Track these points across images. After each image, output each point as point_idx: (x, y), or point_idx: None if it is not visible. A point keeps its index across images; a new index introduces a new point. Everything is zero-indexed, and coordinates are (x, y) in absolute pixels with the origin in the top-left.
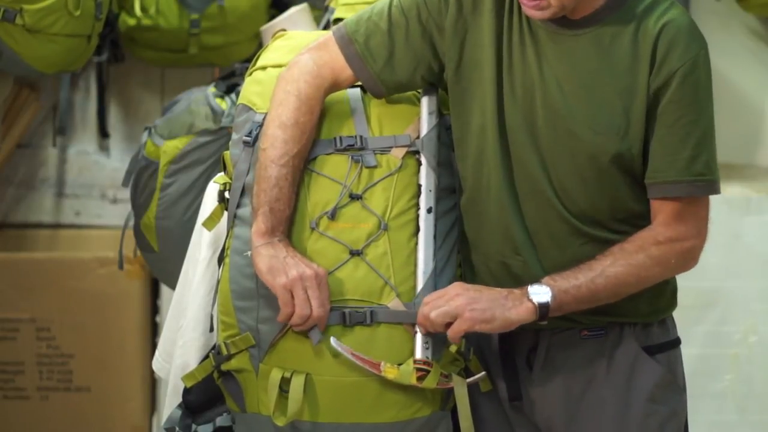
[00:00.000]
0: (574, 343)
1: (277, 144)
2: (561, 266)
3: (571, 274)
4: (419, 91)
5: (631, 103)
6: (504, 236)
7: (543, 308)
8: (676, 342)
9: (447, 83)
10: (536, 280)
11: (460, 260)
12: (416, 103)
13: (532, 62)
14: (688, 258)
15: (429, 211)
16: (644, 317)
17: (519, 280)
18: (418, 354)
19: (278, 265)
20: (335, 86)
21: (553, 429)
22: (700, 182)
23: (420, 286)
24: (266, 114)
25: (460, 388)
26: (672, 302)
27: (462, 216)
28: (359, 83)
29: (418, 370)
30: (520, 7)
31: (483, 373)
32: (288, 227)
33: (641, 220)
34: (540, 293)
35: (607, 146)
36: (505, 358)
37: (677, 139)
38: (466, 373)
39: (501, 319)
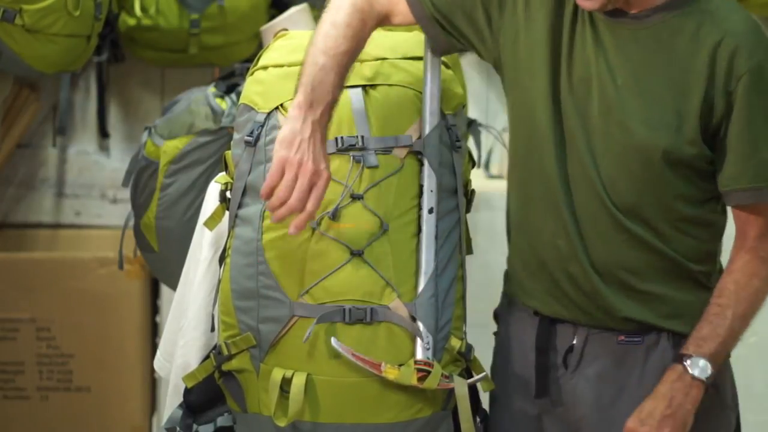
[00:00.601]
0: (611, 347)
1: (328, 39)
2: (604, 264)
3: (710, 333)
4: (420, 91)
5: (684, 103)
6: (555, 218)
7: (709, 378)
8: None
9: (502, 63)
10: (582, 269)
11: (461, 260)
12: (418, 102)
13: (591, 52)
14: None
15: (430, 211)
16: (681, 327)
17: (566, 263)
18: (419, 354)
19: (292, 140)
20: (388, 17)
21: (584, 430)
22: None
23: (421, 286)
24: (268, 113)
25: (461, 389)
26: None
27: (509, 196)
28: (360, 85)
29: (419, 370)
30: None
31: (484, 373)
32: (329, 116)
33: (691, 227)
34: (701, 367)
35: (657, 141)
36: (541, 354)
37: (748, 145)
38: (468, 373)
39: (687, 419)
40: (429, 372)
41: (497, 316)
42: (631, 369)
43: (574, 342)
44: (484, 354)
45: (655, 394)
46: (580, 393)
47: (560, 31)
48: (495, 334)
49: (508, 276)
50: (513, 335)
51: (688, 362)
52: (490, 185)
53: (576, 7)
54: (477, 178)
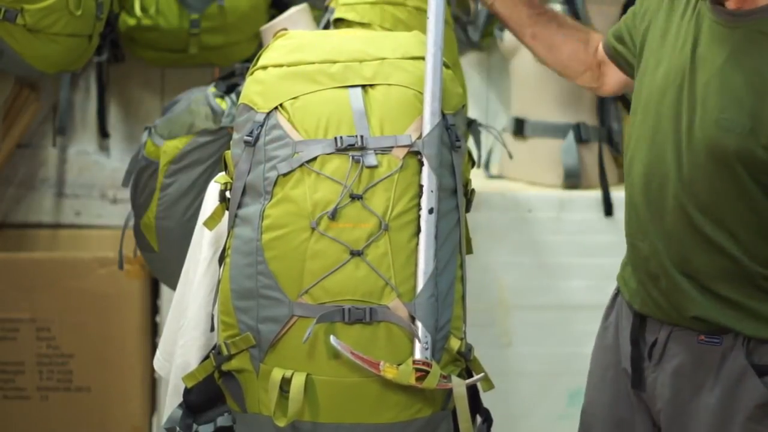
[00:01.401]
0: (690, 345)
1: None
2: (679, 264)
3: None
4: (420, 91)
5: (762, 107)
6: (637, 218)
7: None
8: None
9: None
10: (660, 267)
11: (461, 260)
12: (418, 103)
13: (689, 47)
14: None
15: (430, 212)
16: (756, 331)
17: (646, 263)
18: (418, 354)
19: None
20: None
21: (661, 422)
22: None
23: (420, 286)
24: (268, 112)
25: (459, 390)
26: None
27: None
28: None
29: (418, 370)
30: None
31: (483, 374)
32: None
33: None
34: None
35: (727, 142)
36: (634, 345)
37: None
38: (468, 373)
39: None
40: (427, 372)
41: (609, 304)
42: (708, 370)
43: (658, 336)
44: (484, 355)
45: None
46: (660, 386)
47: (673, 23)
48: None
49: (622, 266)
50: (615, 325)
51: None
52: (490, 185)
53: (689, 6)
54: (477, 178)
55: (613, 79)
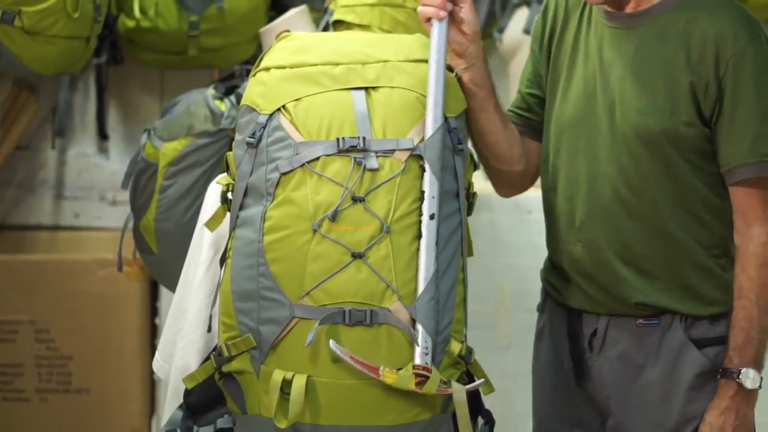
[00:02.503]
0: (630, 330)
1: None
2: (618, 255)
3: (745, 338)
4: (423, 93)
5: (675, 89)
6: (568, 222)
7: (760, 382)
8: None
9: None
10: (595, 265)
11: (462, 263)
12: (420, 105)
13: (595, 57)
14: None
15: (432, 217)
16: (693, 309)
17: (578, 265)
18: (418, 359)
19: None
20: None
21: (609, 409)
22: (766, 162)
23: (421, 289)
24: (270, 114)
25: (459, 395)
26: (723, 297)
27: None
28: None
29: (417, 375)
30: (592, 9)
31: (482, 380)
32: None
33: (702, 211)
34: (751, 378)
35: (653, 125)
36: (573, 339)
37: (743, 123)
38: (468, 376)
39: (752, 423)
40: (427, 377)
41: (539, 308)
42: (648, 349)
43: (597, 326)
44: (485, 357)
45: (719, 409)
46: (605, 373)
47: (579, 40)
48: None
49: (544, 271)
50: (549, 326)
51: (740, 378)
52: (490, 188)
53: (581, 14)
54: (477, 180)
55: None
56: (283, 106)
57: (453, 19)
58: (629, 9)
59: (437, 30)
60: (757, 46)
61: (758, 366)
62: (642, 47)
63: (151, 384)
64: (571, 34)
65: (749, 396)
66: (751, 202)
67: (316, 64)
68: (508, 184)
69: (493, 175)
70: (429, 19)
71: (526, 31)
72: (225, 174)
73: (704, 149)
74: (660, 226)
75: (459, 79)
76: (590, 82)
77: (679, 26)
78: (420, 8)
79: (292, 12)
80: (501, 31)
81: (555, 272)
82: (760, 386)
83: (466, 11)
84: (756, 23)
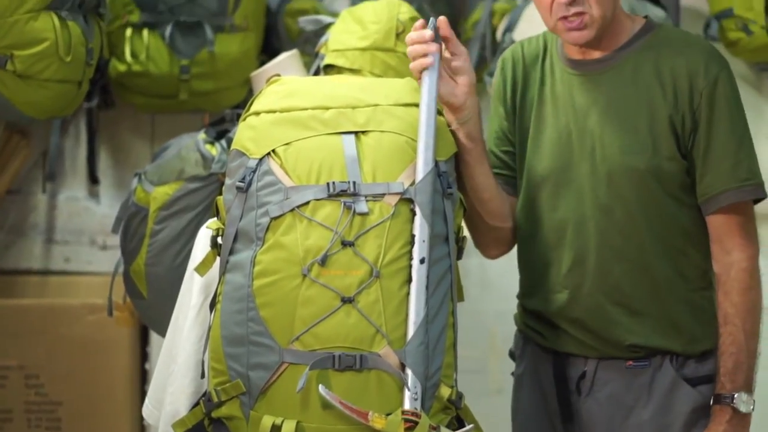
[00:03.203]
0: (620, 371)
1: None
2: (607, 298)
3: (735, 363)
4: (413, 137)
5: (655, 125)
6: (556, 271)
7: (753, 405)
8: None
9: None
10: (584, 311)
11: (452, 307)
12: (410, 149)
13: (565, 103)
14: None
15: (422, 261)
16: (684, 347)
17: (566, 311)
18: (407, 405)
19: None
20: None
21: None
22: (747, 186)
23: (411, 333)
24: (260, 158)
25: None
26: (710, 331)
27: (518, 248)
28: (353, 131)
29: (407, 420)
30: (552, 61)
31: (472, 425)
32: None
33: (687, 245)
34: (744, 402)
35: (638, 163)
36: (559, 382)
37: (719, 151)
38: (458, 421)
39: None
40: (416, 423)
41: (513, 354)
42: (639, 391)
43: (586, 369)
44: (475, 402)
45: None
46: (594, 416)
47: (536, 91)
48: (513, 374)
49: (520, 316)
50: (531, 371)
51: (734, 402)
52: None
53: (542, 66)
54: None
55: None
56: (273, 151)
57: (448, 70)
58: (597, 54)
59: (429, 74)
60: (727, 76)
61: (750, 389)
62: (616, 90)
63: (141, 429)
64: (534, 87)
65: (744, 419)
66: (730, 229)
67: (306, 109)
68: (497, 243)
69: (485, 234)
70: (421, 72)
71: None
72: (215, 219)
73: (686, 182)
74: (647, 263)
75: (454, 134)
76: (564, 132)
77: (649, 66)
78: (411, 64)
79: (282, 56)
80: (492, 75)
81: (535, 318)
82: (753, 408)
83: (462, 63)
84: (721, 55)
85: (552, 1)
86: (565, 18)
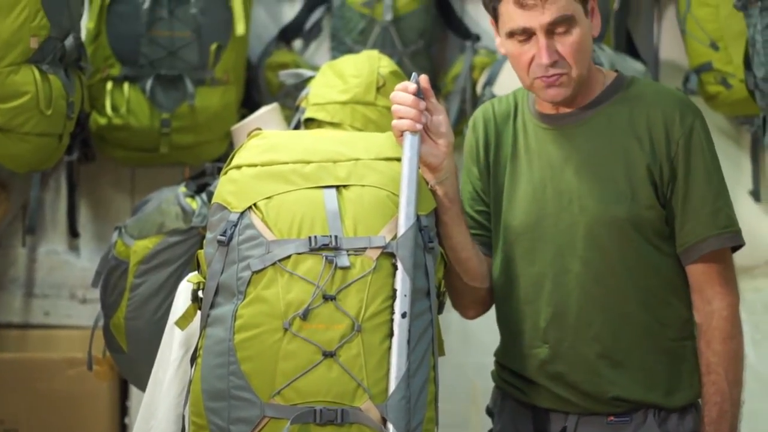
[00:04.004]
0: (601, 428)
1: None
2: (588, 352)
3: (719, 412)
4: (394, 192)
5: (633, 175)
6: (532, 324)
7: None
8: None
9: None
10: (564, 365)
11: (434, 361)
12: (391, 203)
13: (539, 158)
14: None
15: (403, 316)
16: (665, 400)
17: (546, 366)
18: None
19: None
20: None
21: None
22: (727, 233)
23: (392, 388)
24: (241, 212)
25: None
26: (691, 385)
27: (495, 301)
28: (334, 185)
29: None
30: (524, 117)
31: None
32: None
33: (668, 294)
34: None
35: (617, 213)
36: None
37: (698, 200)
38: None
39: None
40: None
41: (490, 411)
42: None
43: (566, 425)
44: None
45: None
46: None
47: (509, 148)
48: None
49: (497, 372)
50: (510, 427)
51: None
52: None
53: (514, 123)
54: None
55: None
56: (255, 204)
57: (428, 131)
58: (573, 107)
59: (411, 135)
60: (702, 124)
61: None
62: (591, 142)
63: None
64: (507, 144)
65: None
66: (710, 278)
67: (287, 162)
68: (475, 303)
69: (463, 294)
70: (402, 133)
71: None
72: (196, 272)
73: (664, 231)
74: (628, 314)
75: (432, 193)
76: (539, 186)
77: (624, 117)
78: (394, 122)
79: (263, 110)
80: None
81: (514, 373)
82: None
83: (441, 123)
84: (694, 104)
85: (530, 61)
86: (543, 77)
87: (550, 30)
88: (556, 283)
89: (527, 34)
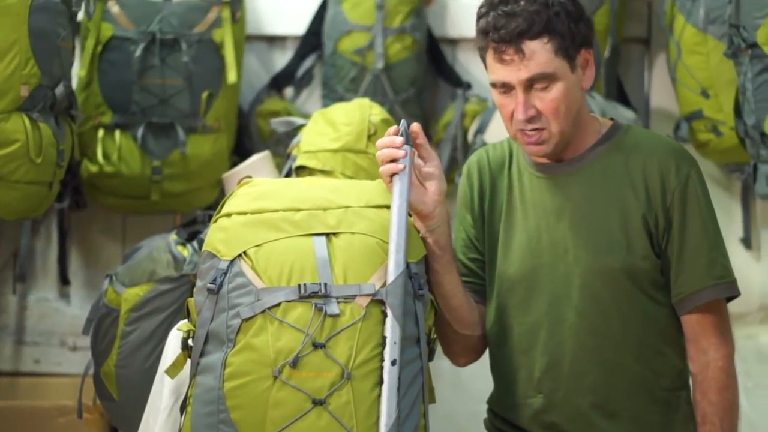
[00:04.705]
0: None
1: None
2: (583, 400)
3: None
4: (384, 239)
5: (629, 225)
6: (527, 375)
7: None
8: None
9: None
10: (559, 413)
11: (424, 409)
12: (381, 251)
13: (534, 206)
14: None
15: (393, 363)
16: None
17: (540, 416)
18: None
19: None
20: None
21: None
22: (722, 284)
23: None
24: (231, 260)
25: None
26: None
27: (489, 353)
28: (324, 233)
29: None
30: (519, 165)
31: None
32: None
33: (662, 344)
34: None
35: (612, 263)
36: None
37: (693, 251)
38: None
39: None
40: None
41: None
42: None
43: None
44: None
45: None
46: None
47: (504, 197)
48: None
49: (490, 421)
50: None
51: None
52: None
53: (509, 172)
54: None
55: None
56: (245, 252)
57: (419, 176)
58: (567, 158)
59: (401, 176)
60: (697, 174)
61: None
62: (587, 191)
63: None
64: (503, 192)
65: None
66: (705, 328)
67: (277, 210)
68: (466, 350)
69: (454, 342)
70: (392, 177)
71: None
72: (186, 320)
73: (659, 281)
74: (623, 364)
75: (422, 241)
76: (534, 235)
77: (619, 167)
78: (381, 168)
79: (254, 157)
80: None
81: (507, 423)
82: None
83: (434, 171)
84: (689, 154)
85: (512, 113)
86: (523, 131)
87: (529, 85)
88: (551, 332)
89: (507, 88)
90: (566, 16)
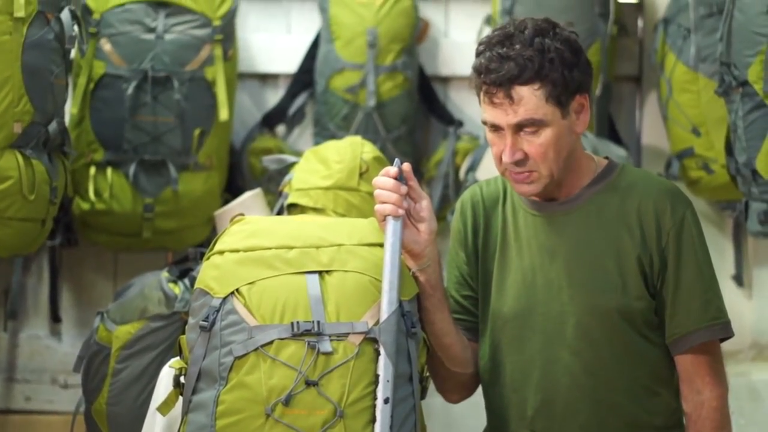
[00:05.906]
0: None
1: None
2: (573, 428)
3: None
4: (376, 277)
5: (624, 265)
6: (519, 414)
7: None
8: None
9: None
10: None
11: None
12: (374, 289)
13: (529, 245)
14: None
15: (386, 401)
16: None
17: None
18: None
19: None
20: None
21: None
22: (717, 325)
23: None
24: (224, 298)
25: None
26: None
27: (483, 389)
28: (317, 271)
29: None
30: (513, 202)
31: None
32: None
33: (656, 384)
34: None
35: (608, 303)
36: None
37: (688, 292)
38: None
39: None
40: None
41: None
42: None
43: None
44: None
45: None
46: None
47: (498, 234)
48: None
49: None
50: None
51: None
52: None
53: (503, 209)
54: None
55: None
56: (237, 290)
57: (410, 217)
58: (562, 196)
59: (393, 217)
60: (692, 215)
61: None
62: (582, 231)
63: None
64: (497, 230)
65: None
66: (699, 369)
67: (270, 248)
68: (458, 388)
69: (446, 379)
70: (384, 218)
71: None
72: (178, 358)
73: (653, 322)
74: (616, 404)
75: (415, 279)
76: (528, 273)
77: (614, 207)
78: (377, 207)
79: (246, 195)
80: (453, 213)
81: None
82: None
83: (425, 211)
84: (684, 194)
85: (501, 153)
86: (510, 171)
87: (518, 129)
88: (544, 371)
89: (497, 128)
90: (561, 62)
